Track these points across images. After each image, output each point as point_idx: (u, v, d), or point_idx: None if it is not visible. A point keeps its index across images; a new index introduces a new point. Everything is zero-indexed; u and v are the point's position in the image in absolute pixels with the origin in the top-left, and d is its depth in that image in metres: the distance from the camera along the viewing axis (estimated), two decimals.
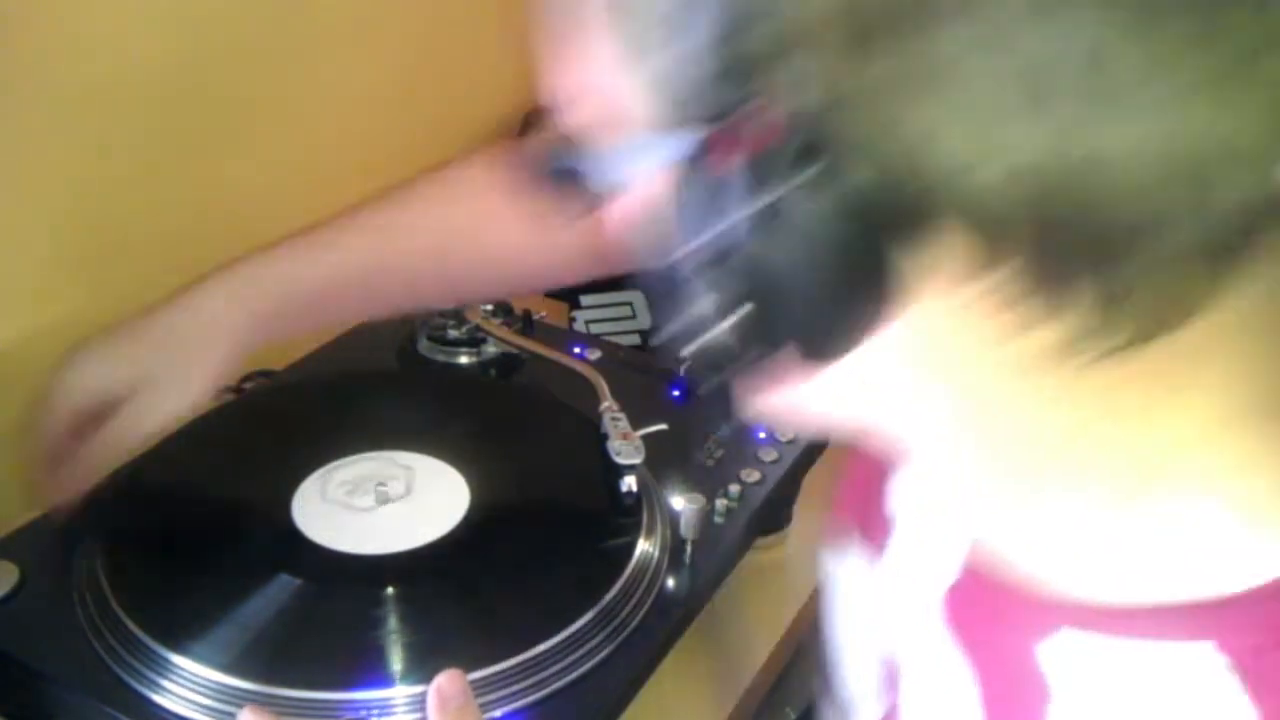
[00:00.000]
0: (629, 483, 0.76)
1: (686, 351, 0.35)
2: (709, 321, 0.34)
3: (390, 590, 0.68)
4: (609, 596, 0.68)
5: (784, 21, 0.29)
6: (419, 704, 0.58)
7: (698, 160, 0.32)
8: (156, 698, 0.62)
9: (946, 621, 0.43)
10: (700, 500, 0.74)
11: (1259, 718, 0.33)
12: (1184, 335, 0.33)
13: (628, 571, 0.70)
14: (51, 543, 0.71)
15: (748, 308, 0.33)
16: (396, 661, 0.64)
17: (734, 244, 0.32)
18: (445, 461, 0.77)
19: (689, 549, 0.74)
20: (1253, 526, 0.35)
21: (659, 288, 0.35)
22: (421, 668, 0.62)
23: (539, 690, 0.63)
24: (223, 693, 0.61)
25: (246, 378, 0.90)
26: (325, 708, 0.61)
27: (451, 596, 0.68)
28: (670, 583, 0.72)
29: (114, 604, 0.65)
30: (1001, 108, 0.28)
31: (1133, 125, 0.28)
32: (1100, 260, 0.31)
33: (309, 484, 0.75)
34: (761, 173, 0.31)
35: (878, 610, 0.51)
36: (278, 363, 0.92)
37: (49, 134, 0.79)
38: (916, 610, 0.46)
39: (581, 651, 0.65)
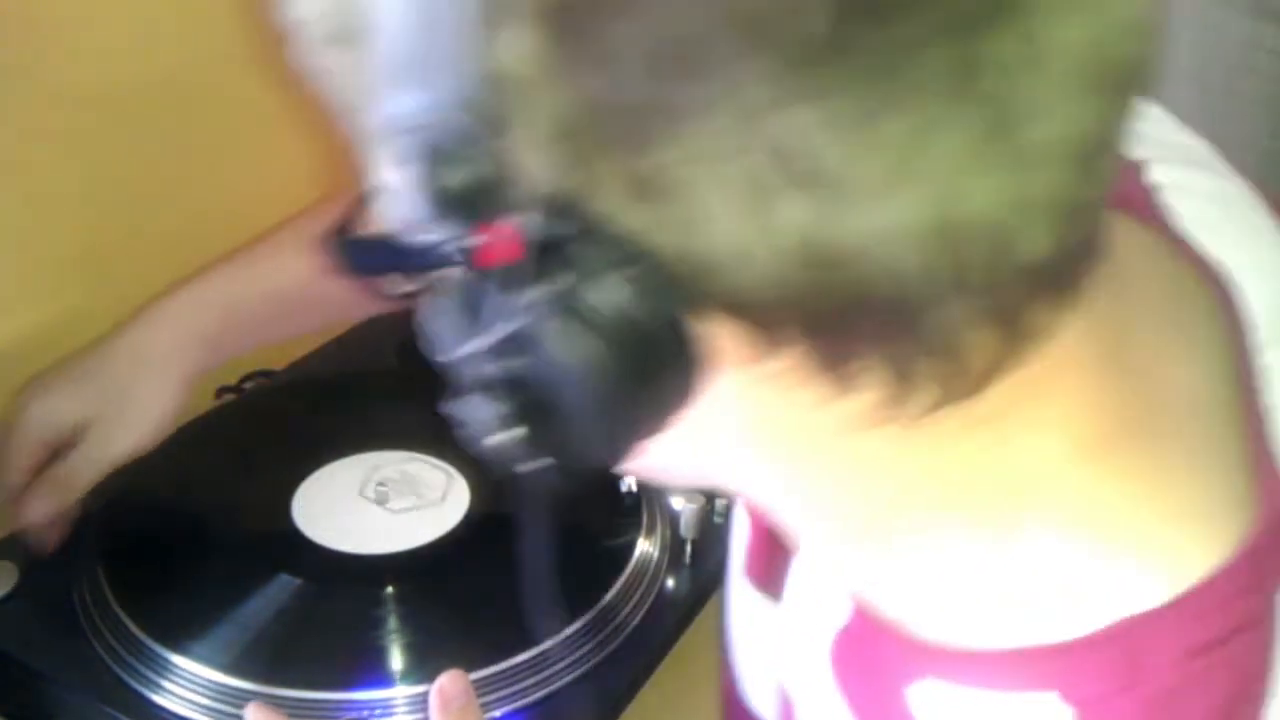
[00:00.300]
0: (629, 483, 0.76)
1: (477, 450, 0.33)
2: (490, 428, 0.33)
3: (390, 590, 0.68)
4: (609, 596, 0.68)
5: (515, 134, 0.28)
6: (419, 704, 0.58)
7: (460, 268, 0.31)
8: (156, 698, 0.62)
9: (831, 663, 0.43)
10: (700, 500, 0.74)
11: None
12: (1015, 376, 0.32)
13: (628, 571, 0.70)
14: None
15: (522, 424, 0.32)
16: (396, 661, 0.64)
17: (499, 355, 0.31)
18: (445, 461, 0.77)
19: (689, 549, 0.74)
20: (1105, 560, 0.34)
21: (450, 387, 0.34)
22: (422, 668, 0.62)
23: (539, 690, 0.63)
24: (223, 693, 0.61)
25: (246, 378, 0.90)
26: (325, 708, 0.61)
27: (452, 596, 0.68)
28: (670, 583, 0.72)
29: (114, 604, 0.65)
30: (742, 209, 0.28)
31: (878, 212, 0.27)
32: (880, 339, 0.30)
33: (311, 486, 0.75)
34: (517, 284, 0.30)
35: (776, 647, 0.51)
36: (278, 363, 0.92)
37: (49, 134, 0.79)
38: (808, 651, 0.45)
39: (582, 651, 0.65)
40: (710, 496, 0.76)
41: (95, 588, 0.67)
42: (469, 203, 0.29)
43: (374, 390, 0.88)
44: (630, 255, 0.29)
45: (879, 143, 0.27)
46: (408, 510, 0.74)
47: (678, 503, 0.75)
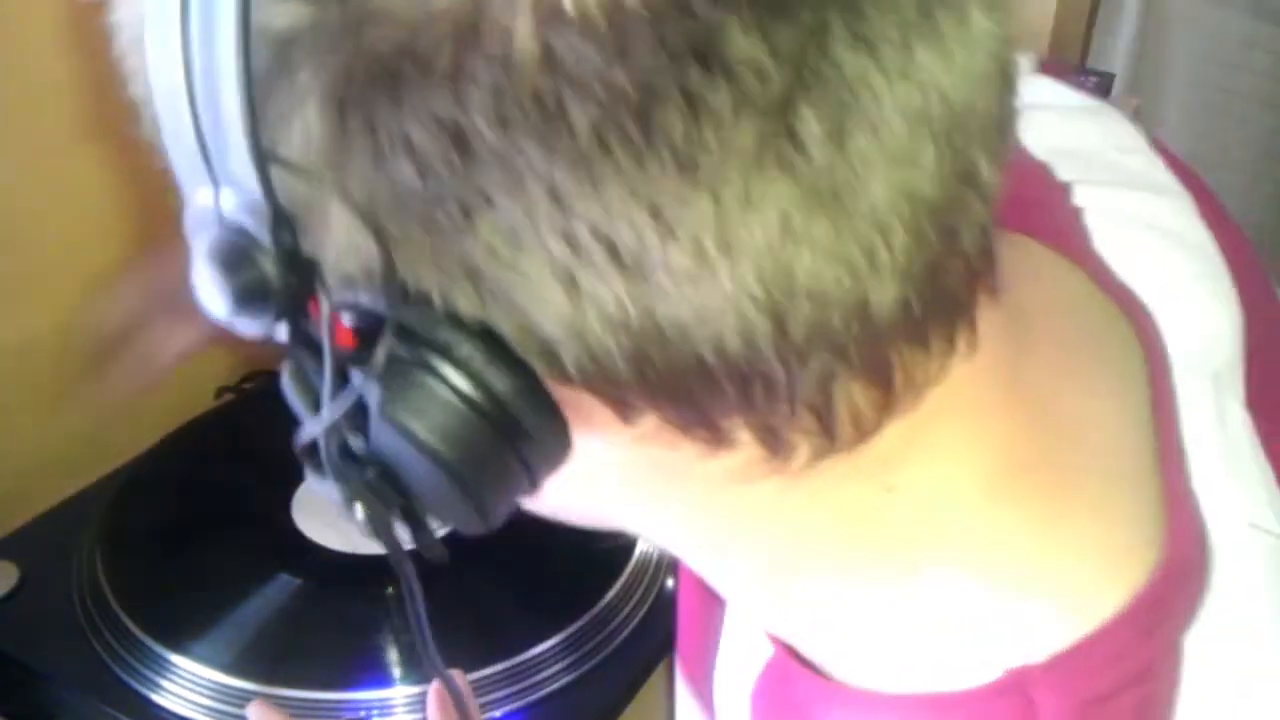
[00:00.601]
0: None
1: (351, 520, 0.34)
2: (347, 504, 0.33)
3: (390, 590, 0.68)
4: (609, 596, 0.68)
5: (317, 224, 0.28)
6: (419, 704, 0.58)
7: (292, 349, 0.31)
8: (156, 698, 0.62)
9: (751, 702, 0.43)
10: None
11: None
12: (903, 420, 0.32)
13: (627, 572, 0.70)
14: (51, 543, 0.71)
15: (377, 499, 0.32)
16: (396, 661, 0.64)
17: (344, 433, 0.31)
18: None
19: None
20: (1004, 602, 0.33)
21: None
22: (421, 668, 0.62)
23: (539, 690, 0.63)
24: (223, 693, 0.61)
25: (246, 378, 0.90)
26: (325, 708, 0.61)
27: (452, 596, 0.68)
28: (670, 583, 0.72)
29: (114, 604, 0.65)
30: (560, 290, 0.27)
31: (696, 290, 0.27)
32: (738, 403, 0.29)
33: (311, 486, 0.75)
34: (352, 363, 0.30)
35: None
36: (278, 363, 0.92)
37: (47, 135, 0.79)
38: (734, 689, 0.45)
39: (582, 651, 0.65)
40: None
41: (95, 588, 0.67)
42: (270, 295, 0.29)
43: None
44: (461, 332, 0.28)
45: (686, 224, 0.26)
46: None
47: None
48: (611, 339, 0.27)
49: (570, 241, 0.26)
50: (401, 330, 0.29)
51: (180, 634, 0.63)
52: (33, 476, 0.78)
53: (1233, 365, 0.41)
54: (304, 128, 0.27)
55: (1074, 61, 1.71)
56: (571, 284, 0.27)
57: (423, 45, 0.25)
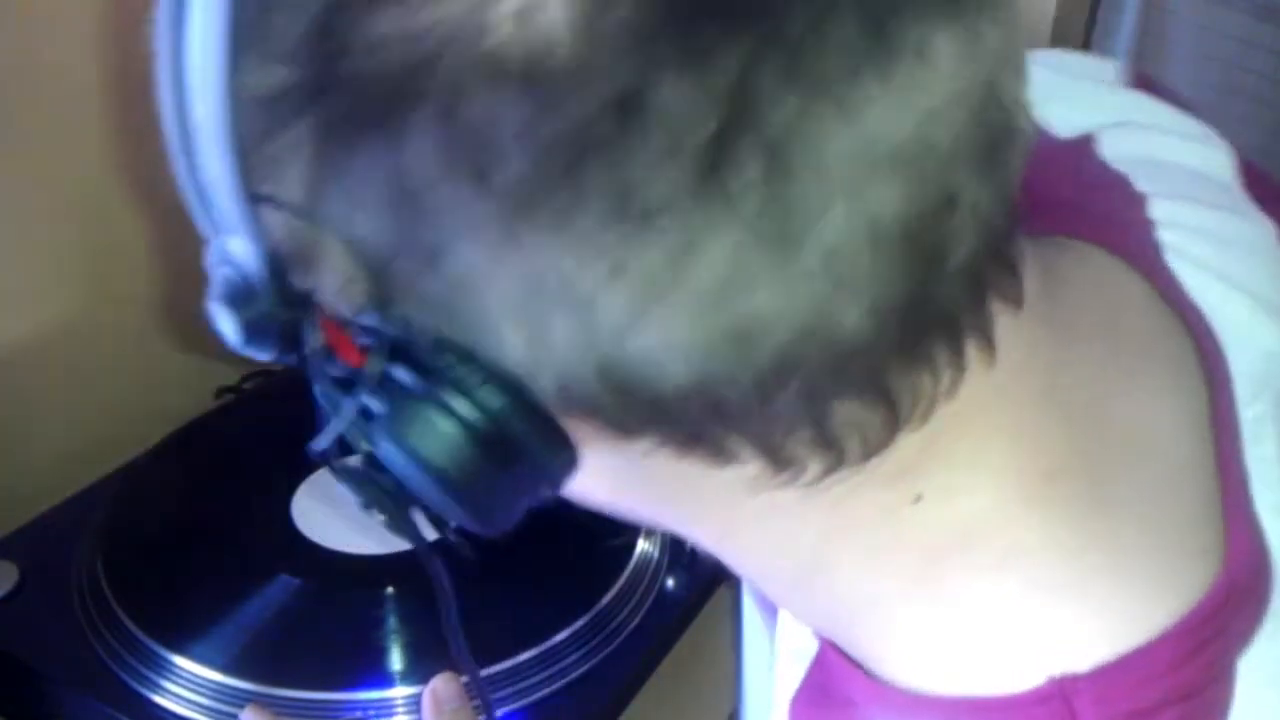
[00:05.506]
0: None
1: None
2: (366, 508, 0.35)
3: (390, 590, 0.68)
4: (609, 596, 0.68)
5: (309, 264, 0.30)
6: (418, 704, 0.58)
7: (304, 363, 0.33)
8: (156, 698, 0.62)
9: (794, 698, 0.42)
10: None
11: None
12: (923, 432, 0.32)
13: (627, 572, 0.70)
14: (51, 543, 0.71)
15: (390, 506, 0.34)
16: (396, 662, 0.64)
17: (353, 445, 0.33)
18: None
19: (689, 549, 0.74)
20: (1042, 612, 0.33)
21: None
22: (421, 668, 0.62)
23: (539, 690, 0.63)
24: (223, 693, 0.61)
25: (246, 378, 0.90)
26: (325, 708, 0.61)
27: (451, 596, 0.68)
28: (670, 583, 0.72)
29: (114, 604, 0.65)
30: (518, 330, 0.28)
31: (647, 332, 0.27)
32: (729, 427, 0.30)
33: (311, 486, 0.75)
34: (358, 382, 0.31)
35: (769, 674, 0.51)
36: (278, 364, 0.92)
37: (50, 134, 0.79)
38: (785, 681, 0.45)
39: (581, 651, 0.65)
40: None
41: (95, 588, 0.67)
42: (273, 330, 0.31)
43: None
44: (453, 357, 0.29)
45: (627, 272, 0.27)
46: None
47: None
48: (573, 376, 0.28)
49: (510, 288, 0.27)
50: (399, 353, 0.30)
51: (180, 634, 0.63)
52: (33, 476, 0.79)
53: None
54: (294, 174, 0.29)
55: None
56: (521, 326, 0.28)
57: (374, 104, 0.27)
